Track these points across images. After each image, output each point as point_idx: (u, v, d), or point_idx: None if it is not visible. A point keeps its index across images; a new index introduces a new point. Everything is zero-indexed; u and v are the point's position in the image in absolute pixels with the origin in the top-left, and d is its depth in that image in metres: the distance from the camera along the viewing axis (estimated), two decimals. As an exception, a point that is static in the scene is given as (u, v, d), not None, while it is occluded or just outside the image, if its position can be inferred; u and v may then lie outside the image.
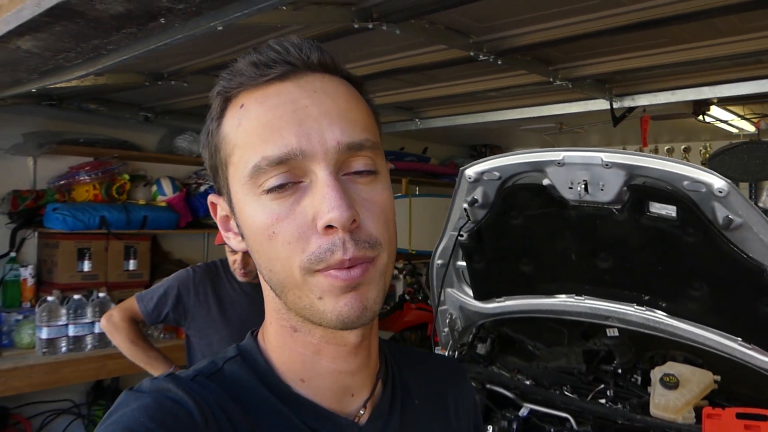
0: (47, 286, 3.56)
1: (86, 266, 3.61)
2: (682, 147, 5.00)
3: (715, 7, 1.89)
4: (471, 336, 2.55)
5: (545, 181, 1.90)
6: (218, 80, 0.66)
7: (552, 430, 2.02)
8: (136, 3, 1.29)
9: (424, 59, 2.55)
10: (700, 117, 3.46)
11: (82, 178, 3.66)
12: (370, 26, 1.88)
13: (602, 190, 1.79)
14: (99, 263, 3.65)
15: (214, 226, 2.45)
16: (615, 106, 3.08)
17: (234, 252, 2.27)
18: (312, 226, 0.59)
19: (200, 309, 2.30)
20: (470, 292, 2.40)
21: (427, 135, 5.47)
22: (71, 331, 3.30)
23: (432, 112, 4.02)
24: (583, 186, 1.79)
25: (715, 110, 3.46)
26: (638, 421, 1.93)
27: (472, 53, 2.30)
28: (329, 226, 0.58)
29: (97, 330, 3.35)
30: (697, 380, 1.95)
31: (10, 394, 3.11)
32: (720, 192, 1.58)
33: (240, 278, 2.34)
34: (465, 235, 2.16)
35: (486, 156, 2.18)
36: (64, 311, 3.28)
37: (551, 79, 2.72)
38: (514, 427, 2.04)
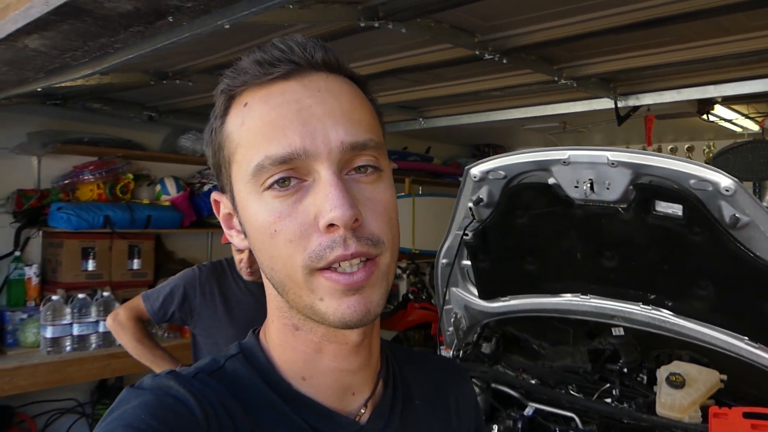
0: (52, 285, 3.57)
1: (90, 265, 3.61)
2: (686, 146, 4.98)
3: (720, 5, 1.88)
4: (476, 335, 2.54)
5: (551, 180, 1.89)
6: (222, 78, 0.66)
7: (557, 429, 2.02)
8: (144, 1, 1.29)
9: (429, 58, 2.55)
10: (705, 116, 3.45)
11: (86, 178, 3.66)
12: (376, 25, 1.88)
13: (608, 189, 1.78)
14: (103, 262, 3.66)
15: (218, 226, 2.45)
16: (619, 105, 3.08)
17: (240, 251, 2.27)
18: (314, 225, 0.59)
19: (206, 308, 2.30)
20: (475, 291, 2.40)
21: (430, 134, 5.46)
22: (76, 330, 3.31)
23: (436, 112, 4.02)
24: (588, 185, 1.79)
25: (719, 109, 3.46)
26: (644, 420, 1.93)
27: (477, 52, 2.30)
28: (331, 225, 0.58)
29: (101, 329, 3.35)
30: (703, 379, 1.94)
31: (14, 393, 3.11)
32: (727, 191, 1.57)
33: (246, 277, 2.34)
34: (470, 234, 2.15)
35: (489, 155, 2.18)
36: (68, 310, 3.29)
37: (556, 78, 2.71)
38: (519, 426, 2.03)
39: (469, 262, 2.31)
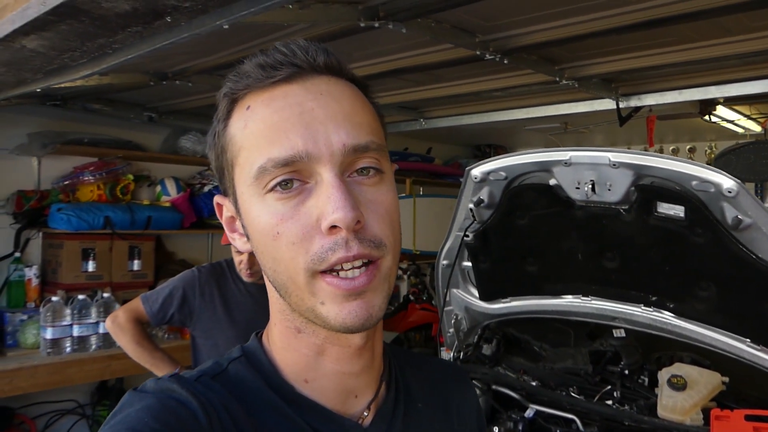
0: (52, 287, 3.56)
1: (90, 266, 3.61)
2: (687, 147, 4.97)
3: (722, 6, 1.88)
4: (476, 336, 2.53)
5: (552, 181, 1.88)
6: (225, 82, 0.66)
7: (558, 431, 2.01)
8: (142, 1, 1.28)
9: (430, 58, 2.54)
10: (707, 117, 3.44)
11: (86, 179, 3.66)
12: (377, 25, 1.87)
13: (609, 190, 1.78)
14: (103, 263, 3.65)
15: (218, 227, 2.46)
16: (621, 105, 3.07)
17: (240, 252, 2.26)
18: (316, 227, 0.59)
19: (206, 310, 2.30)
20: (476, 293, 2.39)
21: (431, 135, 5.46)
22: (76, 331, 3.30)
23: (437, 112, 4.01)
24: (590, 186, 1.78)
25: (721, 110, 3.45)
26: (646, 422, 1.92)
27: (478, 52, 2.29)
28: (333, 227, 0.58)
29: (101, 330, 3.35)
30: (705, 381, 1.93)
31: (14, 394, 3.10)
32: (729, 192, 1.56)
33: (246, 279, 2.33)
34: (471, 235, 2.15)
35: (490, 156, 2.17)
36: (68, 311, 3.28)
37: (557, 79, 2.71)
38: (520, 428, 2.03)
39: (469, 264, 2.30)
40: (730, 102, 3.34)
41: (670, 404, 1.89)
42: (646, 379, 2.13)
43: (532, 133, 5.11)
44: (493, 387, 2.20)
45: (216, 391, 0.63)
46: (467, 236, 2.16)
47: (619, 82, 2.98)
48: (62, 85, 2.52)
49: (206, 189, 4.25)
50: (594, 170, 1.78)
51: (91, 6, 1.31)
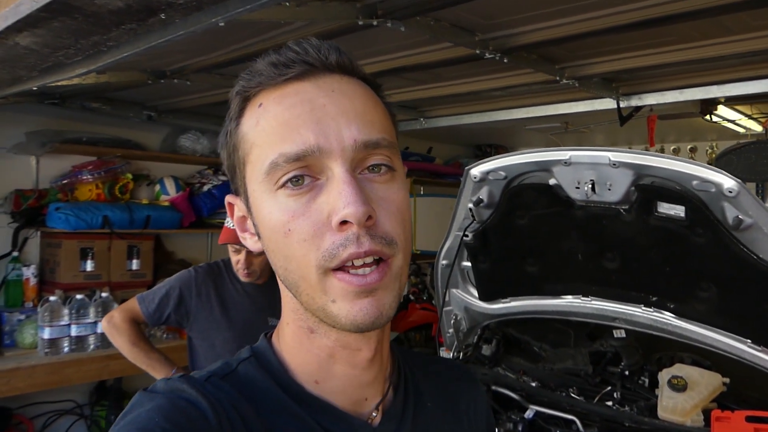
0: (50, 286, 3.56)
1: (89, 266, 3.60)
2: (689, 147, 4.96)
3: (723, 4, 1.86)
4: (476, 337, 2.52)
5: (552, 181, 1.87)
6: (237, 80, 0.67)
7: (558, 432, 2.00)
8: (135, -2, 1.28)
9: (429, 57, 2.53)
10: (708, 116, 3.43)
11: (84, 178, 3.65)
12: (375, 23, 1.86)
13: (609, 189, 1.76)
14: (102, 263, 3.65)
15: (218, 226, 2.45)
16: (622, 105, 3.06)
17: (237, 252, 2.25)
18: (327, 223, 0.59)
19: (202, 310, 2.28)
20: (475, 293, 2.38)
21: (431, 134, 5.44)
22: (74, 331, 3.29)
23: (437, 112, 4.00)
24: (590, 186, 1.77)
25: (722, 110, 3.43)
26: (646, 423, 1.91)
27: (477, 51, 2.28)
28: (344, 223, 0.58)
29: (99, 330, 3.33)
30: (705, 382, 1.92)
31: (12, 395, 3.09)
32: (730, 192, 1.55)
33: (243, 279, 2.31)
34: (470, 235, 2.13)
35: (491, 156, 2.15)
36: (66, 311, 3.27)
37: (558, 78, 2.69)
38: (520, 429, 2.01)
39: (469, 264, 2.29)
40: (731, 102, 3.33)
41: (671, 405, 1.88)
42: (647, 380, 2.13)
43: (533, 132, 5.09)
44: (493, 388, 2.18)
45: (225, 391, 0.63)
46: (467, 236, 2.14)
47: (620, 81, 2.97)
48: (59, 84, 2.50)
49: (205, 188, 4.24)
50: (594, 170, 1.76)
51: (84, 3, 1.29)
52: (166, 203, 3.97)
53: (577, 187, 1.81)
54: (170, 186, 4.01)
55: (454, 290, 2.43)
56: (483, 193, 2.03)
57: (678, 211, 1.71)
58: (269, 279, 2.39)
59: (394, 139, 0.66)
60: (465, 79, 3.01)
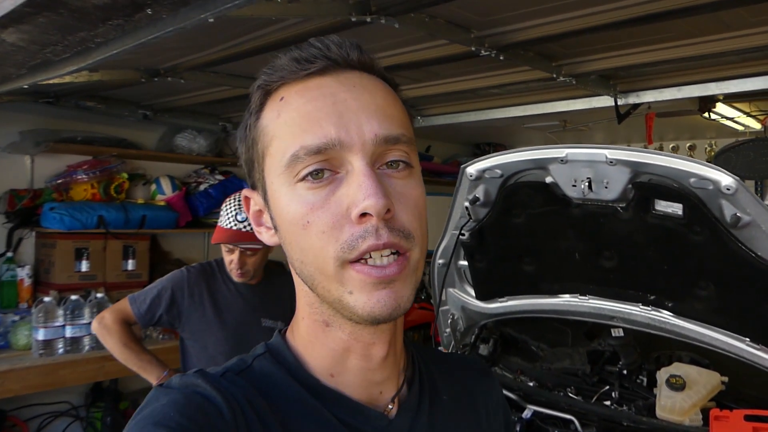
0: (44, 287, 3.54)
1: (84, 266, 3.58)
2: (687, 145, 4.95)
3: (721, 0, 1.84)
4: (473, 336, 2.51)
5: (548, 179, 1.86)
6: (259, 75, 0.68)
7: (555, 432, 1.98)
8: (121, -8, 1.26)
9: (425, 55, 2.51)
10: (706, 114, 3.41)
11: (80, 177, 3.63)
12: (368, 20, 1.84)
13: (606, 187, 1.75)
14: (97, 263, 3.63)
15: (214, 226, 2.44)
16: (620, 102, 3.04)
17: (230, 252, 2.22)
18: (346, 216, 0.60)
19: (195, 311, 2.25)
20: (472, 292, 2.36)
21: (429, 133, 5.42)
22: (68, 332, 3.26)
23: (434, 110, 3.98)
24: (586, 184, 1.75)
25: (720, 107, 3.42)
26: (644, 423, 1.90)
27: (473, 48, 2.26)
28: (363, 215, 0.59)
29: (94, 331, 3.31)
30: (704, 381, 1.91)
31: (6, 397, 3.08)
32: (728, 189, 1.53)
33: (236, 279, 2.28)
34: (466, 234, 2.12)
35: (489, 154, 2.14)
36: (61, 312, 3.25)
37: (554, 75, 2.67)
38: (518, 429, 2.00)
39: (465, 263, 2.28)
40: (729, 99, 3.32)
41: (669, 405, 1.87)
42: (645, 379, 2.11)
43: (532, 131, 5.08)
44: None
45: (241, 386, 0.64)
46: (463, 235, 2.13)
47: (618, 78, 2.95)
48: (52, 82, 2.48)
49: (202, 188, 4.22)
50: (591, 168, 1.75)
51: (68, -3, 1.28)
52: (162, 203, 3.95)
53: (574, 185, 1.80)
54: (166, 185, 3.99)
55: (450, 289, 2.41)
56: (479, 192, 2.01)
57: (676, 208, 1.69)
58: (263, 279, 2.36)
59: (413, 136, 0.67)
60: (461, 77, 2.99)
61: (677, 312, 1.92)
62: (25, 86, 2.38)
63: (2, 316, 3.33)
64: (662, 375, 1.96)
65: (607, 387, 2.10)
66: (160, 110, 3.90)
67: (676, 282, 1.87)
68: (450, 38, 2.18)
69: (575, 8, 2.00)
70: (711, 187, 1.56)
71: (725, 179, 1.54)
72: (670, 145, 5.01)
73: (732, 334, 1.83)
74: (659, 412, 1.88)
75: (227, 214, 2.19)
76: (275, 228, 0.68)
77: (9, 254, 3.50)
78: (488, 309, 2.34)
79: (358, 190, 0.59)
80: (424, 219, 0.66)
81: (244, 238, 2.15)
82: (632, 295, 2.00)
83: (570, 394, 2.13)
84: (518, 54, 2.44)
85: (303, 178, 0.61)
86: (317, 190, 0.61)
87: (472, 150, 6.37)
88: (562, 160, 1.78)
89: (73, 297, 3.30)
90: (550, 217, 1.96)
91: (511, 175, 1.92)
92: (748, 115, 3.73)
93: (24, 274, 3.48)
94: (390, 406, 0.70)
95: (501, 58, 2.35)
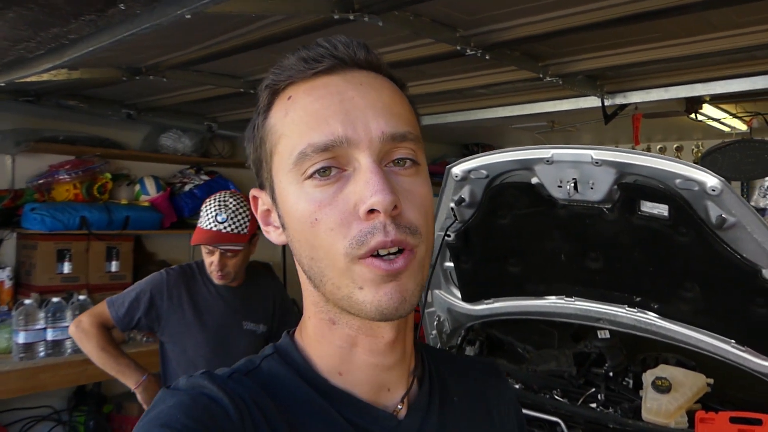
0: (25, 289, 3.47)
1: (66, 268, 3.52)
2: (675, 146, 4.96)
3: (708, 0, 1.83)
4: (459, 338, 2.49)
5: (534, 180, 1.84)
6: (267, 75, 0.68)
7: (541, 435, 1.97)
8: (92, -13, 1.22)
9: (410, 54, 2.48)
10: (693, 115, 3.42)
11: (62, 177, 3.57)
12: (351, 17, 1.81)
13: (592, 188, 1.74)
14: (80, 265, 3.57)
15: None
16: (606, 103, 3.04)
17: (211, 253, 2.19)
18: (354, 213, 0.60)
19: (174, 313, 2.21)
20: (458, 294, 2.35)
21: (417, 133, 5.40)
22: (50, 335, 3.20)
23: (421, 110, 3.83)
24: (572, 184, 1.74)
25: (707, 108, 3.42)
26: (630, 425, 1.89)
27: (459, 47, 2.24)
28: (371, 211, 0.59)
29: (76, 334, 3.26)
30: (689, 384, 1.91)
31: (-15, 401, 3.02)
32: (713, 190, 1.53)
33: (217, 281, 2.24)
34: (452, 235, 2.10)
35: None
36: (42, 315, 3.18)
37: (541, 75, 2.66)
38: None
39: (451, 264, 2.26)
40: (716, 100, 3.32)
41: (655, 407, 1.86)
42: (631, 381, 2.11)
43: (520, 131, 5.07)
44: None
45: (248, 387, 0.64)
46: (449, 236, 2.11)
47: (604, 79, 2.95)
48: (30, 80, 2.43)
49: (187, 188, 4.17)
50: (576, 168, 1.74)
51: (37, -10, 1.24)
52: (147, 203, 3.90)
53: (560, 186, 1.79)
54: (150, 186, 3.94)
55: (436, 291, 2.39)
56: (465, 192, 2.00)
57: (661, 210, 1.69)
58: (245, 282, 2.33)
59: (420, 134, 0.68)
60: (448, 76, 2.97)
61: (663, 314, 1.91)
62: (2, 84, 2.33)
63: (-19, 319, 3.26)
64: (648, 377, 1.95)
65: (593, 389, 2.09)
66: (144, 109, 3.85)
67: (662, 283, 1.86)
68: (435, 37, 2.16)
69: (561, 7, 1.98)
70: (696, 188, 1.56)
71: (711, 180, 1.53)
72: (658, 146, 5.02)
73: (717, 335, 1.83)
74: (645, 415, 1.88)
75: (207, 214, 2.15)
76: (283, 226, 0.68)
77: (-11, 256, 3.44)
78: (474, 311, 2.33)
79: (365, 186, 0.60)
80: (430, 217, 0.66)
81: (224, 239, 2.12)
82: (618, 297, 1.99)
83: (556, 397, 2.12)
84: (504, 53, 2.42)
85: (311, 176, 0.62)
86: (325, 188, 0.62)
87: (461, 150, 6.36)
88: (547, 161, 1.76)
89: (55, 299, 3.24)
90: (536, 218, 1.94)
91: (496, 176, 1.91)
92: (735, 116, 3.75)
93: (4, 275, 3.42)
94: (399, 407, 0.70)
95: (487, 57, 2.33)
